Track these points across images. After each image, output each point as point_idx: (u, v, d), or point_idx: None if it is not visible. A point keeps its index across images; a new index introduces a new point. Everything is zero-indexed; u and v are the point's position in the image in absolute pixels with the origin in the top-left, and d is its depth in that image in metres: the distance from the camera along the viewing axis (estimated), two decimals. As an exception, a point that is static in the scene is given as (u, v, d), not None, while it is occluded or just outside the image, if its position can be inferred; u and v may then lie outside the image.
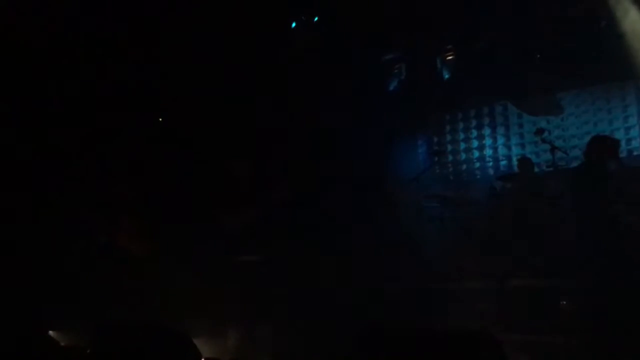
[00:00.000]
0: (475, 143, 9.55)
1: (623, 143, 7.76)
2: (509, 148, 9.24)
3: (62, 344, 3.29)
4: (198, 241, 5.31)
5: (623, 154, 5.95)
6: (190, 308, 4.88)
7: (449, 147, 9.67)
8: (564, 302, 5.44)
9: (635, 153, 8.07)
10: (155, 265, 5.32)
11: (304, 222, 5.66)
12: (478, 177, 9.25)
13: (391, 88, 8.78)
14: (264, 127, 6.73)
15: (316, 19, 7.45)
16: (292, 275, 5.31)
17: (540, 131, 7.19)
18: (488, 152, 9.36)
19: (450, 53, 8.55)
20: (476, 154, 9.52)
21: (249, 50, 6.70)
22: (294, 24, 7.45)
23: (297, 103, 7.04)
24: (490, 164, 9.27)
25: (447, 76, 8.45)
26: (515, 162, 8.83)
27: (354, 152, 7.43)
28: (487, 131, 9.45)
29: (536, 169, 7.80)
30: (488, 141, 9.39)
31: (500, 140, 9.31)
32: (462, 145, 9.68)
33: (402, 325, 3.27)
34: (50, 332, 4.18)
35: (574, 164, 7.81)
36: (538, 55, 8.05)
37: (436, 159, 9.29)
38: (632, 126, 8.34)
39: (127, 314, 4.49)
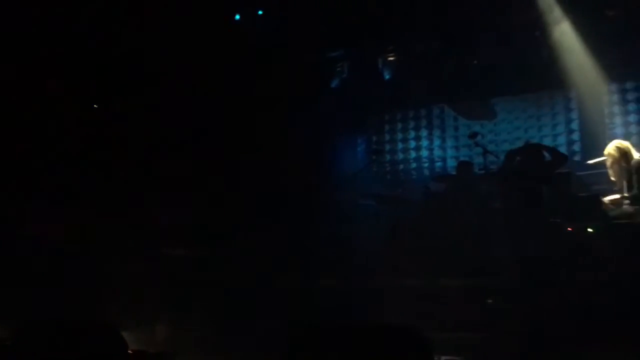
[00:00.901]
0: (412, 144, 9.71)
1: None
2: (444, 150, 9.46)
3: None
4: (128, 236, 5.17)
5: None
6: (117, 301, 4.77)
7: (387, 147, 9.79)
8: (490, 301, 5.63)
9: None
10: (85, 258, 5.13)
11: (236, 219, 5.62)
12: (414, 177, 9.41)
13: (333, 86, 8.78)
14: (197, 124, 6.58)
15: (260, 12, 7.38)
16: (222, 273, 5.22)
17: (474, 135, 7.40)
18: (424, 153, 9.55)
19: (392, 54, 8.64)
20: (413, 154, 9.67)
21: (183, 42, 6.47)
22: (237, 17, 7.33)
23: (234, 98, 6.90)
24: (427, 164, 9.45)
25: (387, 77, 8.55)
26: (450, 163, 9.11)
27: (292, 149, 7.40)
28: (424, 133, 9.63)
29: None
30: (425, 142, 9.58)
31: (437, 142, 9.52)
32: (400, 146, 9.81)
33: (337, 323, 3.31)
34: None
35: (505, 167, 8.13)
36: (475, 62, 8.29)
37: (374, 158, 9.38)
38: (559, 134, 8.71)
39: (56, 309, 4.32)
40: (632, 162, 5.70)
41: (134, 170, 6.02)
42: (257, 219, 6.16)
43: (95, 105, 6.96)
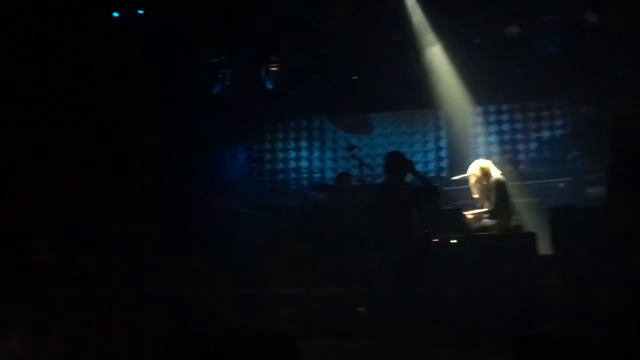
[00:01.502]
0: (292, 154, 9.83)
1: (421, 165, 8.58)
2: (323, 161, 9.70)
3: None
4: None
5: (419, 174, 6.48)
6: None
7: (268, 156, 9.87)
8: (362, 309, 5.86)
9: (430, 174, 8.78)
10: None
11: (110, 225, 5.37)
12: (294, 186, 9.51)
13: (214, 92, 8.67)
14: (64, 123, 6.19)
15: (141, 12, 7.14)
16: (89, 277, 5.05)
17: (351, 148, 7.49)
18: (304, 163, 9.72)
19: (275, 65, 8.71)
20: (293, 164, 9.78)
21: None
22: (115, 14, 7.02)
23: (105, 96, 6.56)
24: (306, 174, 9.63)
25: (270, 86, 8.61)
26: (328, 174, 9.39)
27: (170, 154, 7.26)
28: (304, 144, 9.80)
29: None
30: (305, 153, 9.75)
31: (316, 153, 9.73)
32: (280, 155, 9.88)
33: (210, 329, 3.28)
34: None
35: (379, 180, 8.46)
36: (354, 77, 8.58)
37: (254, 166, 9.39)
38: (429, 150, 9.24)
39: None
40: (491, 180, 6.00)
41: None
42: (128, 224, 5.86)
43: None
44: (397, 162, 5.87)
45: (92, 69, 6.49)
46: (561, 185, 7.54)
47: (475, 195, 6.21)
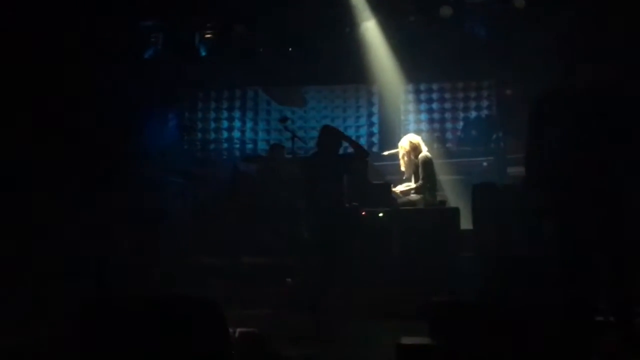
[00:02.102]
0: (225, 124, 9.70)
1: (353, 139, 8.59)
2: (256, 132, 9.63)
3: None
4: None
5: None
6: None
7: (199, 125, 9.71)
8: (289, 280, 5.94)
9: None
10: None
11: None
12: (225, 157, 9.43)
13: (145, 56, 8.40)
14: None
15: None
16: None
17: (284, 119, 7.57)
18: (237, 134, 9.63)
19: (210, 32, 8.48)
20: (225, 134, 9.68)
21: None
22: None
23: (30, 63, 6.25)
24: (238, 145, 9.55)
25: (203, 54, 8.44)
26: (260, 146, 9.30)
27: (96, 118, 6.98)
28: (237, 114, 9.68)
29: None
30: (237, 123, 9.64)
31: (249, 124, 9.64)
32: (213, 125, 9.72)
33: (131, 294, 3.28)
34: None
35: (311, 152, 8.57)
36: (290, 49, 8.53)
37: (185, 134, 9.28)
38: (361, 125, 9.34)
39: None
40: (420, 156, 6.16)
41: None
42: (51, 190, 5.71)
43: None
44: (330, 135, 5.87)
45: (15, 31, 6.16)
46: (485, 164, 7.82)
47: (403, 169, 6.35)
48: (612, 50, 4.38)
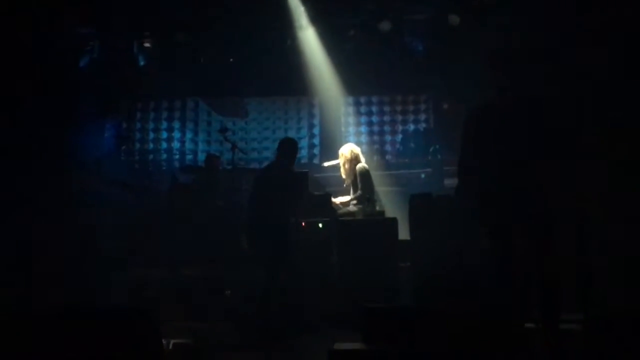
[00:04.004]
0: (164, 134, 9.59)
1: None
2: (196, 143, 9.56)
3: None
4: None
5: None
6: None
7: (138, 135, 9.55)
8: (229, 292, 6.01)
9: (303, 160, 8.92)
10: None
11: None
12: (164, 167, 9.35)
13: (81, 65, 8.17)
14: None
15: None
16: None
17: (224, 130, 7.51)
18: (176, 144, 9.54)
19: (149, 41, 8.35)
20: (164, 144, 9.57)
21: None
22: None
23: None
24: (177, 156, 9.46)
25: (142, 62, 8.31)
26: (200, 157, 9.18)
27: (30, 127, 6.84)
28: (177, 124, 9.59)
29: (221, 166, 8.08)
30: (177, 134, 9.55)
31: (189, 135, 9.56)
32: (151, 135, 9.58)
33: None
34: None
35: (252, 164, 8.65)
36: (231, 59, 8.49)
37: (122, 145, 9.13)
38: (302, 137, 9.35)
39: None
40: (357, 167, 6.23)
41: None
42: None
43: None
44: (288, 147, 5.89)
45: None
46: (422, 175, 8.03)
47: (344, 176, 6.44)
48: (537, 65, 4.63)
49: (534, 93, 3.65)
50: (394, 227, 5.83)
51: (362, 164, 6.28)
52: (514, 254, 3.41)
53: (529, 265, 3.43)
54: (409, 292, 5.20)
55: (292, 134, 9.20)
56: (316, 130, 9.41)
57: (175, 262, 6.28)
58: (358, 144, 7.41)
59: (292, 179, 5.58)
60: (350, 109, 9.30)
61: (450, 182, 7.01)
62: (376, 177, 6.56)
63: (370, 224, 5.91)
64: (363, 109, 9.37)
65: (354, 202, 6.33)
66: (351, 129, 9.28)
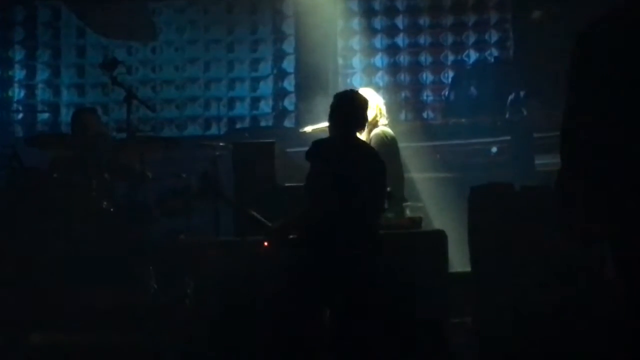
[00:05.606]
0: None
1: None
2: (57, 90, 7.29)
3: None
4: None
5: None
6: None
7: None
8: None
9: (262, 123, 7.26)
10: None
11: None
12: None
13: None
14: None
15: None
16: None
17: (111, 64, 5.21)
18: (17, 93, 7.26)
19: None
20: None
21: None
22: None
23: None
24: (20, 115, 7.34)
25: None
26: (66, 116, 7.11)
27: None
28: (19, 54, 7.19)
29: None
30: (18, 73, 7.28)
31: (42, 75, 7.18)
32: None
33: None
34: None
35: (167, 130, 6.85)
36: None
37: None
38: (261, 77, 7.20)
39: None
40: (374, 133, 4.77)
41: None
42: None
43: None
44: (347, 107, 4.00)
45: None
46: (494, 149, 6.40)
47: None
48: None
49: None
50: (440, 248, 4.10)
51: (383, 129, 4.62)
52: None
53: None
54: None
55: (242, 72, 6.95)
56: (288, 64, 7.04)
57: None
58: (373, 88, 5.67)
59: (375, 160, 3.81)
60: (355, 22, 6.83)
61: (547, 160, 5.77)
62: (407, 152, 5.14)
63: (396, 244, 3.98)
64: (378, 21, 6.82)
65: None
66: (357, 61, 6.84)
